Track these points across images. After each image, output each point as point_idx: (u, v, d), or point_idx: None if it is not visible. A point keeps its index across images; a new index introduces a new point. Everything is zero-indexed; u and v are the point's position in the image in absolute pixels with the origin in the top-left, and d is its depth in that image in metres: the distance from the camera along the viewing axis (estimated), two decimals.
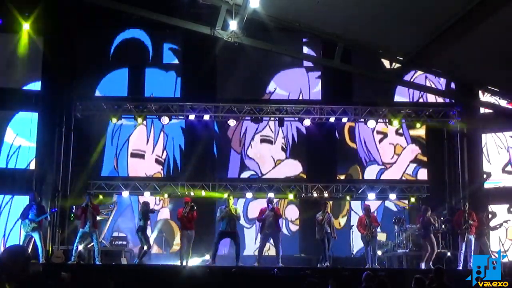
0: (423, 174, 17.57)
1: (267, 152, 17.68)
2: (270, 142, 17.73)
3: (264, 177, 17.43)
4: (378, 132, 17.75)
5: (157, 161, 17.52)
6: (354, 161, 17.65)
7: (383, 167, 17.59)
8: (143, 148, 17.54)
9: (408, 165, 17.62)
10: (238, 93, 17.38)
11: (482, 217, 13.89)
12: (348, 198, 16.82)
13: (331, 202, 16.13)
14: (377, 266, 13.59)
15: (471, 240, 13.23)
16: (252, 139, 17.66)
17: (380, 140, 17.77)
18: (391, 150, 17.75)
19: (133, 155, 17.53)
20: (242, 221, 15.69)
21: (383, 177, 17.54)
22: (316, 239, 14.02)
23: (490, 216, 14.09)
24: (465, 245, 13.20)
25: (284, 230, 16.66)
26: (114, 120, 16.26)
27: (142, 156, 17.55)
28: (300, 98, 17.78)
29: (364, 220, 14.01)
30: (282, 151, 17.67)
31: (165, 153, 17.50)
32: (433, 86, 16.69)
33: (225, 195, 15.11)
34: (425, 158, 17.67)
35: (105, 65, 17.65)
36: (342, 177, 17.46)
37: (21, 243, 13.41)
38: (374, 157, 17.66)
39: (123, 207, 16.94)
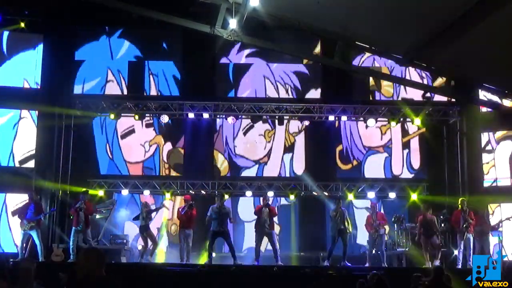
0: (423, 173, 17.57)
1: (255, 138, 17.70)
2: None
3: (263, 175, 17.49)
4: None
5: (147, 125, 17.54)
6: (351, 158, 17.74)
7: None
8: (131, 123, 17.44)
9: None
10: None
11: (483, 216, 13.86)
12: (351, 197, 16.72)
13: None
14: (385, 265, 13.54)
15: (470, 239, 13.19)
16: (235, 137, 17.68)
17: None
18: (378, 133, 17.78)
19: (124, 136, 17.52)
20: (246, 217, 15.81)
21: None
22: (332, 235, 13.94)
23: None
24: (464, 244, 13.17)
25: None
26: (112, 116, 16.25)
27: (132, 131, 17.53)
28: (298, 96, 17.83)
29: (371, 218, 13.99)
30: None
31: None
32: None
33: (225, 196, 15.02)
34: (424, 157, 17.65)
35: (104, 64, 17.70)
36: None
37: (19, 242, 13.45)
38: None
39: (123, 205, 16.91)
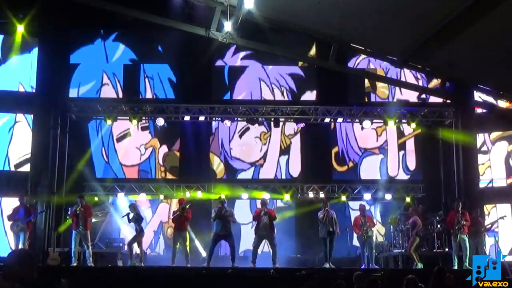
0: (418, 174, 17.61)
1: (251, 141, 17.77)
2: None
3: (260, 177, 17.50)
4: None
5: (143, 128, 17.58)
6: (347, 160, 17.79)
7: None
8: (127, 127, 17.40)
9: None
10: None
11: (476, 217, 13.89)
12: (344, 198, 16.77)
13: None
14: (375, 266, 13.57)
15: (464, 239, 13.18)
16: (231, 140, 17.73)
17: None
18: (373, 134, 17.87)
19: (119, 139, 17.57)
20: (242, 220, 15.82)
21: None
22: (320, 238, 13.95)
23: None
24: (458, 245, 13.18)
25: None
26: (109, 121, 16.18)
27: (128, 134, 17.54)
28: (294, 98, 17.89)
29: (359, 220, 14.03)
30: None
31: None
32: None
33: (222, 196, 14.83)
34: (420, 158, 17.70)
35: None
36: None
37: (12, 245, 13.40)
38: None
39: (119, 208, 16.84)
